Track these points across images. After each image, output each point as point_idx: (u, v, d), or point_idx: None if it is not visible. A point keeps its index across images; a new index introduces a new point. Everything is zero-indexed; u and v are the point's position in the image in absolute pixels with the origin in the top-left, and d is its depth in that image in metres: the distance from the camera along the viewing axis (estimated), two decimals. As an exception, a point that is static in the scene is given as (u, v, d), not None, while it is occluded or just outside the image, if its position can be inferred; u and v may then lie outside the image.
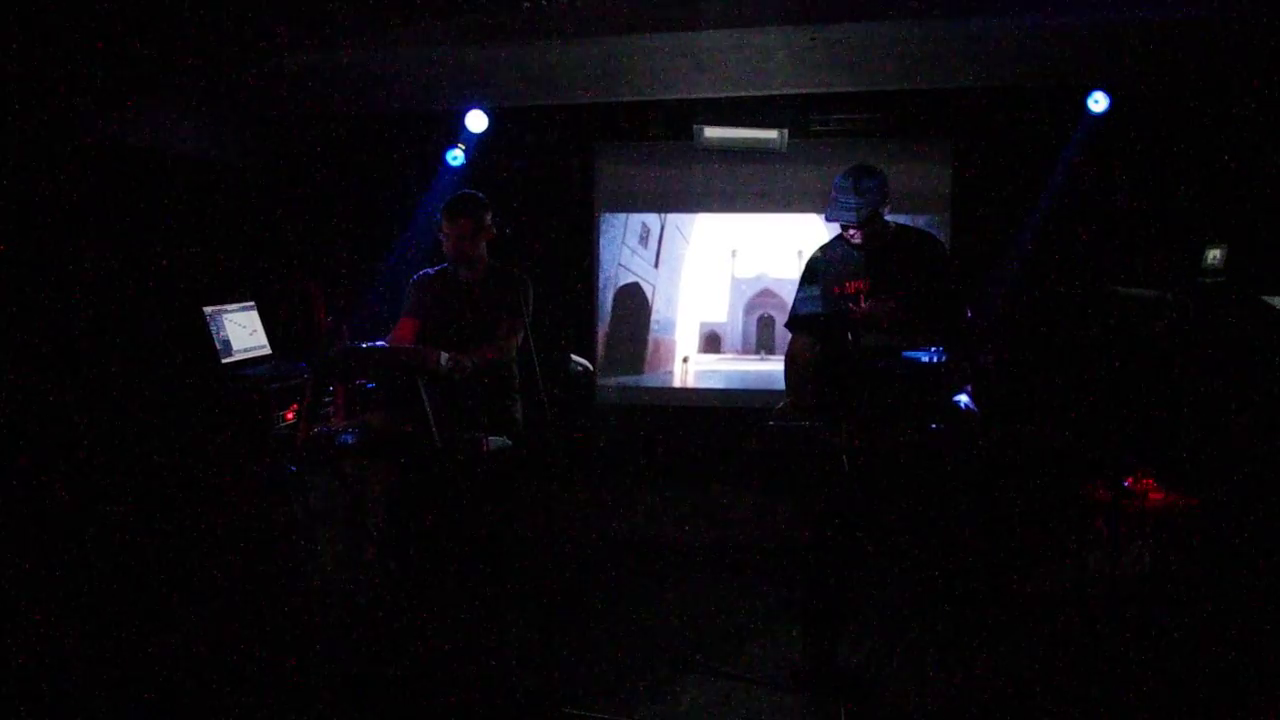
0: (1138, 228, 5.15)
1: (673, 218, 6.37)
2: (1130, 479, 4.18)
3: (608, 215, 6.40)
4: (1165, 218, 5.07)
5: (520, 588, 4.01)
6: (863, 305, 3.63)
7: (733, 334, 6.35)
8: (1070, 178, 5.32)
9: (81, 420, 4.25)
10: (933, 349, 3.38)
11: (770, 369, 6.19)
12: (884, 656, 3.51)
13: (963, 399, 3.53)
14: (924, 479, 3.48)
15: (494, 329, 3.92)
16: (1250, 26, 4.14)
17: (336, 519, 4.11)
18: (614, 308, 6.41)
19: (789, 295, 6.08)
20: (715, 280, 6.36)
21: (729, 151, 5.85)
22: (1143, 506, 4.10)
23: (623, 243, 6.39)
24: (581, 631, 4.14)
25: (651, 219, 6.38)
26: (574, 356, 4.44)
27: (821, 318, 3.71)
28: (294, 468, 4.10)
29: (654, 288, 6.41)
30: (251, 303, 5.15)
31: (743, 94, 5.49)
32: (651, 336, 6.41)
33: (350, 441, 3.58)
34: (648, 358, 6.43)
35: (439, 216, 3.96)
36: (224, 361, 4.80)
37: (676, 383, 6.41)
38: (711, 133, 5.68)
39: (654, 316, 6.41)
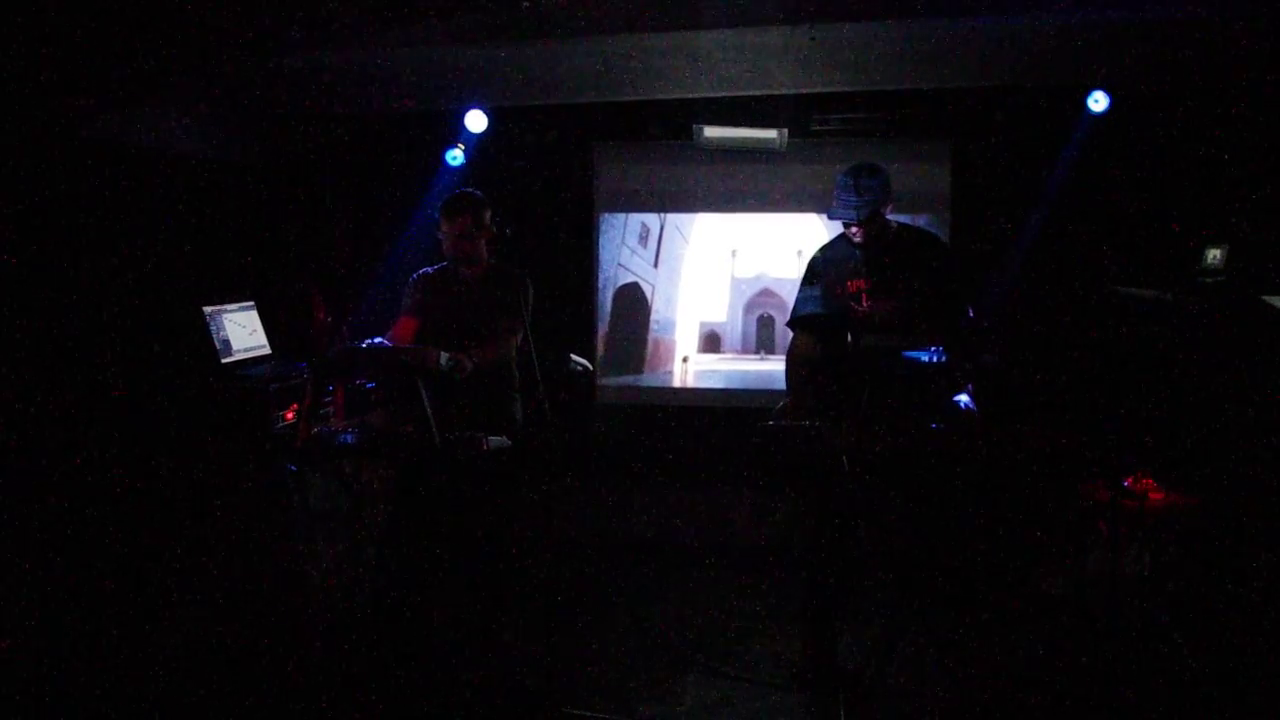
0: (1138, 228, 5.15)
1: (672, 217, 6.37)
2: (1130, 479, 4.18)
3: (607, 215, 6.40)
4: (1165, 218, 5.07)
5: (520, 588, 4.01)
6: (864, 305, 3.64)
7: (732, 334, 6.35)
8: (1070, 178, 5.31)
9: (81, 420, 4.24)
10: (933, 349, 3.39)
11: (770, 369, 6.19)
12: (884, 656, 3.50)
13: (963, 399, 3.53)
14: (924, 479, 3.49)
15: (494, 328, 3.92)
16: (1250, 26, 4.13)
17: (336, 519, 4.11)
18: (613, 307, 6.41)
19: (789, 295, 6.08)
20: (715, 280, 6.35)
21: (729, 151, 5.85)
22: (1143, 506, 4.10)
23: (622, 242, 6.39)
24: (581, 631, 4.14)
25: (651, 219, 6.38)
26: (573, 356, 4.44)
27: (823, 317, 3.71)
28: (294, 467, 4.10)
29: (654, 287, 6.41)
30: (251, 302, 5.14)
31: (742, 94, 5.48)
32: (651, 336, 6.41)
33: (350, 441, 3.59)
34: (647, 357, 6.42)
35: (438, 215, 3.96)
36: (224, 361, 4.80)
37: (676, 382, 6.40)
38: (711, 132, 5.67)
39: (654, 316, 6.41)
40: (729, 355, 6.36)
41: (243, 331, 5.01)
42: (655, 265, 6.40)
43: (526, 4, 3.95)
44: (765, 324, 6.30)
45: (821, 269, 3.80)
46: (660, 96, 5.56)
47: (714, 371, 6.37)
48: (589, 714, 3.42)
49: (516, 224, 3.94)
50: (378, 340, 3.65)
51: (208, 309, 4.81)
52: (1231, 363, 4.06)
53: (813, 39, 4.46)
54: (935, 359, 3.38)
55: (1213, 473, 4.05)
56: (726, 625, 4.31)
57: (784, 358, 3.88)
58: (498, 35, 4.41)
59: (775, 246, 6.25)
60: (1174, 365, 4.14)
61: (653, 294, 6.40)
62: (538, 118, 5.94)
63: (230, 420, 4.47)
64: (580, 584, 4.74)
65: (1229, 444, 4.03)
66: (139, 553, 4.08)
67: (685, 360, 6.41)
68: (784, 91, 5.44)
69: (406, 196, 5.92)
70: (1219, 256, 4.25)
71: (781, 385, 3.87)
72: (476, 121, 5.71)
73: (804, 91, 5.47)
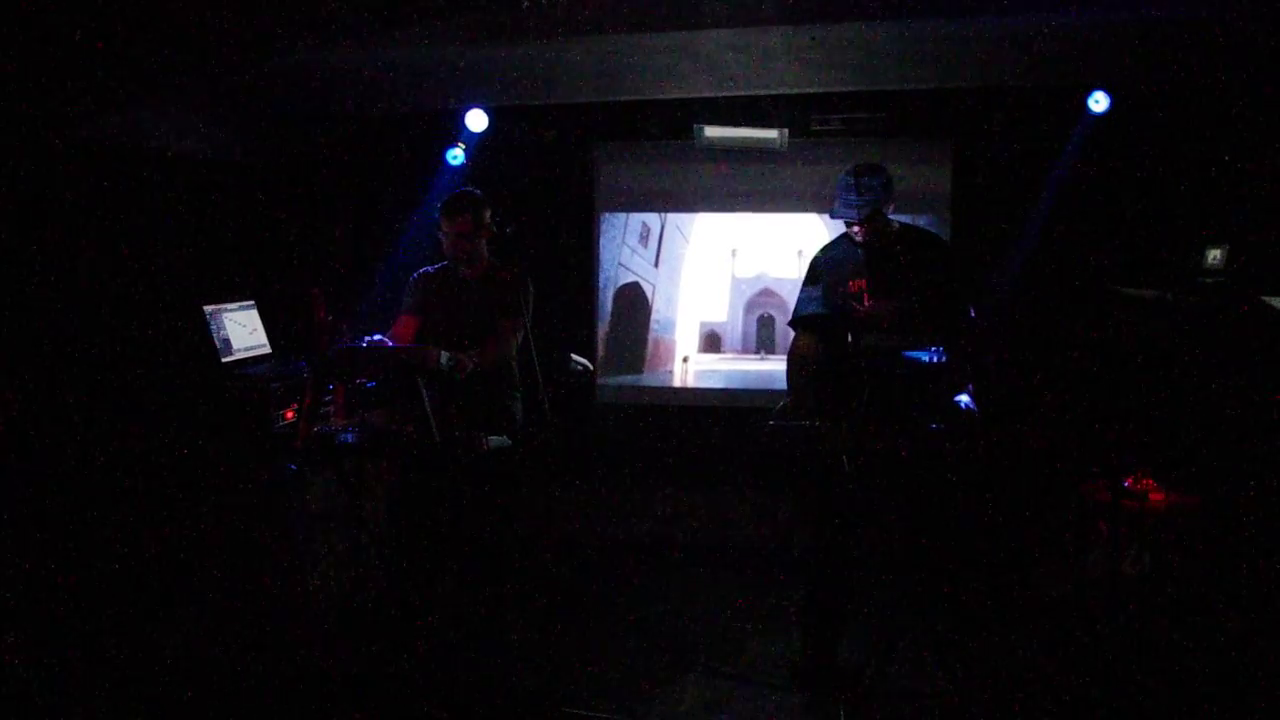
0: (1138, 228, 5.15)
1: (673, 217, 6.37)
2: (1130, 479, 4.18)
3: (608, 214, 6.40)
4: (1165, 218, 5.07)
5: (520, 588, 4.01)
6: (866, 304, 3.63)
7: (733, 333, 6.35)
8: (1070, 178, 5.31)
9: (81, 419, 4.25)
10: (933, 349, 3.39)
11: (770, 369, 6.19)
12: (884, 656, 3.50)
13: (964, 399, 3.53)
14: (924, 479, 3.49)
15: (494, 328, 3.92)
16: (1250, 26, 4.13)
17: (336, 518, 4.11)
18: (614, 307, 6.41)
19: (789, 295, 6.09)
20: (715, 280, 6.35)
21: (729, 151, 5.85)
22: (1143, 506, 4.10)
23: (623, 242, 6.39)
24: (581, 631, 4.14)
25: (651, 218, 6.38)
26: (574, 356, 4.44)
27: (824, 317, 3.71)
28: (294, 467, 4.11)
29: (654, 287, 6.41)
30: (251, 302, 5.15)
31: (743, 93, 5.48)
32: (651, 336, 6.41)
33: (350, 440, 3.59)
34: (647, 357, 6.42)
35: (438, 215, 3.96)
36: (224, 361, 4.80)
37: (676, 382, 6.40)
38: (712, 132, 5.67)
39: (654, 316, 6.41)
40: (729, 355, 6.36)
41: (243, 331, 5.01)
42: (656, 265, 6.40)
43: (527, 3, 3.95)
44: (765, 324, 6.30)
45: (823, 269, 3.80)
46: (661, 96, 5.56)
47: (714, 371, 6.37)
48: (589, 714, 3.42)
49: (517, 223, 3.94)
50: (377, 336, 3.65)
51: (208, 308, 4.81)
52: (1231, 363, 4.06)
53: (813, 39, 4.46)
54: (936, 359, 3.38)
55: (1213, 473, 4.05)
56: (726, 625, 4.31)
57: (784, 358, 3.88)
58: (498, 35, 4.40)
59: (776, 246, 6.25)
60: (1174, 365, 4.14)
61: (653, 294, 6.40)
62: (538, 117, 5.94)
63: (230, 419, 4.47)
64: (580, 584, 4.74)
65: (1229, 444, 4.03)
66: (139, 552, 4.08)
67: (685, 360, 6.41)
68: (784, 91, 5.44)
69: (407, 196, 5.92)
70: (1219, 256, 4.25)
71: (782, 385, 3.87)
72: (477, 121, 5.71)
73: (804, 91, 5.47)
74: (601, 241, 6.39)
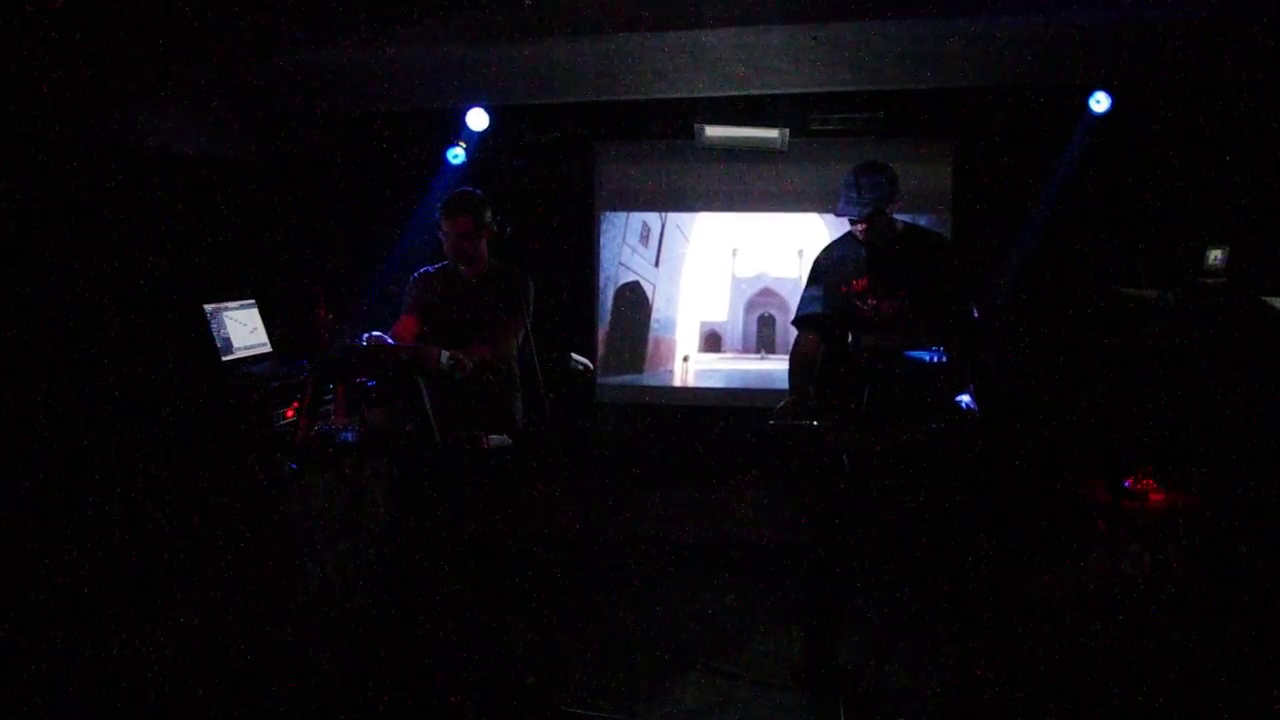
0: (1139, 228, 5.15)
1: (673, 216, 6.37)
2: (1130, 479, 4.18)
3: (608, 214, 6.40)
4: (1166, 218, 5.07)
5: (520, 587, 4.01)
6: (868, 303, 3.63)
7: (733, 333, 6.35)
8: (1071, 178, 5.31)
9: (82, 418, 4.25)
10: (935, 349, 3.39)
11: (771, 368, 6.19)
12: (884, 656, 3.51)
13: (964, 399, 3.53)
14: (925, 478, 3.48)
15: (494, 327, 3.92)
16: (1250, 26, 4.13)
17: (336, 518, 4.11)
18: (614, 306, 6.41)
19: (789, 294, 6.10)
20: (716, 279, 6.35)
21: (730, 150, 5.85)
22: (1143, 506, 4.10)
23: (623, 241, 6.39)
24: (581, 631, 4.14)
25: (652, 218, 6.38)
26: (574, 355, 4.44)
27: (827, 316, 3.71)
28: (294, 466, 4.10)
29: (654, 286, 6.41)
30: (252, 301, 5.15)
31: (743, 93, 5.48)
32: (652, 335, 6.41)
33: (350, 440, 3.58)
34: (648, 356, 6.42)
35: (438, 215, 3.96)
36: (224, 359, 4.80)
37: (677, 382, 6.41)
38: (712, 131, 5.67)
39: (654, 315, 6.41)
40: (729, 354, 6.36)
41: (243, 329, 5.01)
42: (656, 264, 6.40)
43: (529, 2, 3.95)
44: (766, 323, 6.30)
45: (826, 268, 3.80)
46: (661, 95, 5.56)
47: (714, 371, 6.37)
48: (589, 713, 3.42)
49: (517, 222, 3.94)
50: (376, 333, 3.65)
51: (208, 307, 4.81)
52: (1232, 363, 4.06)
53: (814, 38, 4.46)
54: (937, 359, 3.38)
55: (1213, 473, 4.05)
56: (726, 625, 4.31)
57: (784, 357, 3.88)
58: (499, 34, 4.41)
59: (776, 246, 6.25)
60: (1174, 365, 4.14)
61: (653, 293, 6.40)
62: (539, 116, 5.94)
63: (231, 418, 4.47)
64: (580, 583, 4.74)
65: (1229, 444, 4.03)
66: (139, 551, 4.08)
67: (686, 359, 6.41)
68: (785, 91, 5.44)
69: (408, 195, 5.93)
70: (1220, 257, 4.25)
71: (782, 385, 3.87)
72: (478, 120, 5.71)
73: (805, 91, 5.47)
74: (602, 241, 6.39)
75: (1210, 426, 4.07)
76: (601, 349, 6.40)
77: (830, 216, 5.97)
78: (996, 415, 3.73)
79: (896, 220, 3.72)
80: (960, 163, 5.85)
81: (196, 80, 4.76)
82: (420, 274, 4.10)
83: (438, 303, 3.99)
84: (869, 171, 3.57)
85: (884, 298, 3.64)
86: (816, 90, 5.47)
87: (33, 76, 3.73)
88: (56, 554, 3.89)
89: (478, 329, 3.89)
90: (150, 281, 4.74)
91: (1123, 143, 5.22)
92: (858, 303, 3.66)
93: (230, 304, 4.97)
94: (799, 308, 3.82)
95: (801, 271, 3.92)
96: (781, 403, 3.74)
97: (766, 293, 6.28)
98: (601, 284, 6.39)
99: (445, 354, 3.49)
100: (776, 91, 5.45)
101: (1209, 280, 4.25)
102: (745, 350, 6.33)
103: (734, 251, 6.33)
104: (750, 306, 6.32)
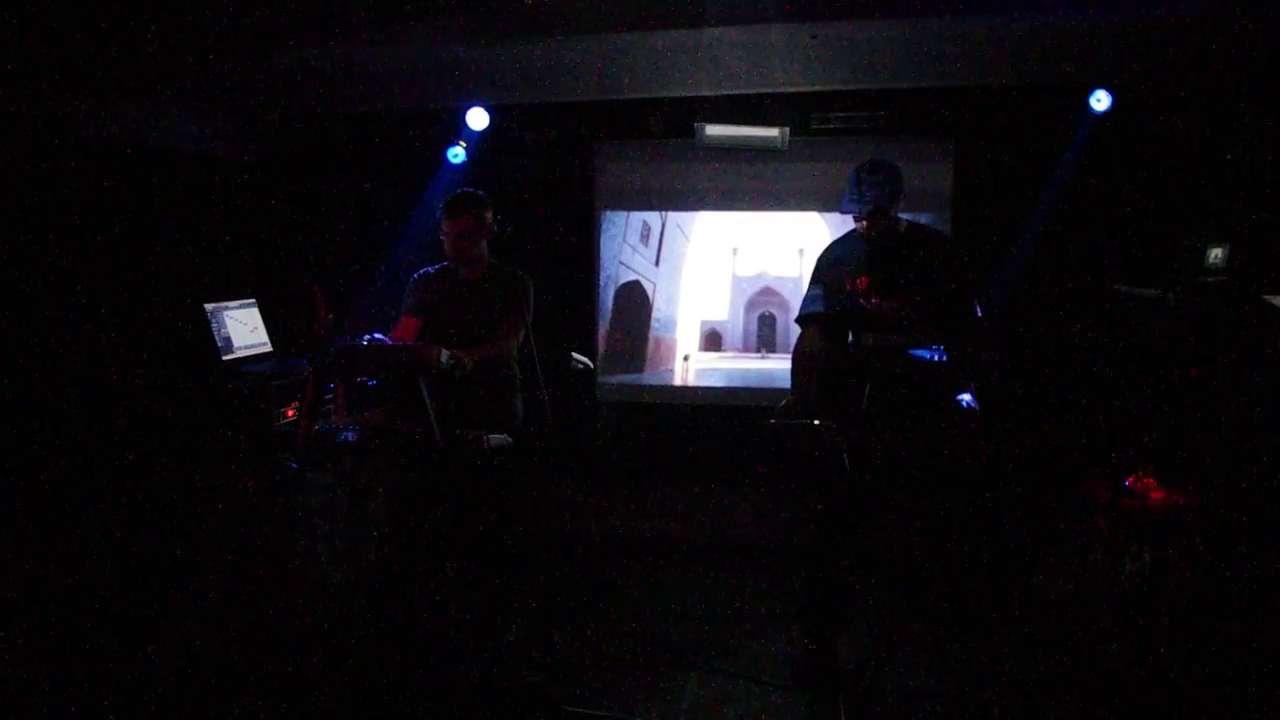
0: (1139, 227, 5.14)
1: (674, 215, 6.37)
2: (1130, 478, 4.18)
3: (608, 213, 6.39)
4: (1167, 217, 5.07)
5: (520, 586, 4.01)
6: (871, 302, 3.63)
7: (734, 332, 6.35)
8: (1071, 177, 5.31)
9: (82, 418, 4.25)
10: (937, 347, 3.38)
11: (771, 367, 6.19)
12: (884, 656, 3.50)
13: (965, 398, 3.53)
14: (925, 478, 3.48)
15: (494, 328, 3.92)
16: (1250, 26, 4.13)
17: (337, 517, 4.11)
18: (614, 306, 6.41)
19: (790, 293, 6.09)
20: (716, 278, 6.35)
21: (730, 149, 5.84)
22: (1143, 506, 4.09)
23: (623, 240, 6.39)
24: (581, 630, 4.14)
25: (652, 217, 6.38)
26: (574, 354, 4.44)
27: (829, 314, 3.71)
28: (295, 465, 4.10)
29: (655, 285, 6.41)
30: (252, 300, 5.15)
31: (744, 92, 5.48)
32: (652, 334, 6.41)
33: (351, 439, 3.58)
34: (648, 356, 6.42)
35: (439, 214, 3.96)
36: (225, 359, 4.80)
37: (677, 381, 6.40)
38: (712, 130, 5.67)
39: (655, 314, 6.41)
40: (730, 354, 6.36)
41: (244, 329, 5.01)
42: (656, 263, 6.40)
43: (529, 2, 3.95)
44: (766, 322, 6.30)
45: (828, 266, 3.80)
46: (662, 94, 5.56)
47: (715, 370, 6.37)
48: (589, 713, 3.42)
49: (517, 221, 3.94)
50: (377, 336, 3.65)
51: (209, 306, 4.81)
52: (1233, 362, 4.06)
53: (814, 37, 4.46)
54: (938, 358, 3.37)
55: (1213, 472, 4.05)
56: (726, 625, 4.31)
57: (785, 356, 3.88)
58: (500, 33, 4.40)
59: (777, 245, 6.25)
60: (1175, 365, 4.13)
61: (654, 292, 6.40)
62: (539, 115, 5.94)
63: (231, 418, 4.48)
64: (580, 583, 4.74)
65: (1230, 444, 4.03)
66: (139, 550, 4.09)
67: (686, 359, 6.41)
68: (785, 90, 5.44)
69: (408, 194, 5.93)
70: (1220, 256, 4.25)
71: (782, 384, 3.87)
72: (478, 119, 5.71)
73: (805, 90, 5.47)
74: (602, 240, 6.39)
75: (1210, 426, 4.07)
76: (602, 348, 6.40)
77: (830, 215, 5.97)
78: (997, 414, 3.73)
79: (901, 220, 3.71)
80: (960, 161, 5.84)
81: (196, 80, 4.75)
82: (420, 274, 4.10)
83: (438, 303, 3.99)
84: (871, 170, 3.57)
85: (885, 297, 3.64)
86: (817, 89, 5.47)
87: (33, 76, 3.72)
88: (56, 553, 3.89)
89: (478, 329, 3.90)
90: (150, 281, 4.74)
91: (1123, 142, 5.21)
92: (860, 301, 3.66)
93: (230, 303, 4.97)
94: (802, 306, 3.82)
95: (802, 270, 3.92)
96: (783, 402, 3.74)
97: (767, 292, 6.28)
98: (602, 283, 6.38)
99: (445, 353, 3.49)
100: (777, 90, 5.45)
101: (1209, 279, 4.25)
102: (746, 349, 6.33)
103: (734, 250, 6.32)
104: (751, 305, 6.32)
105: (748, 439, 5.67)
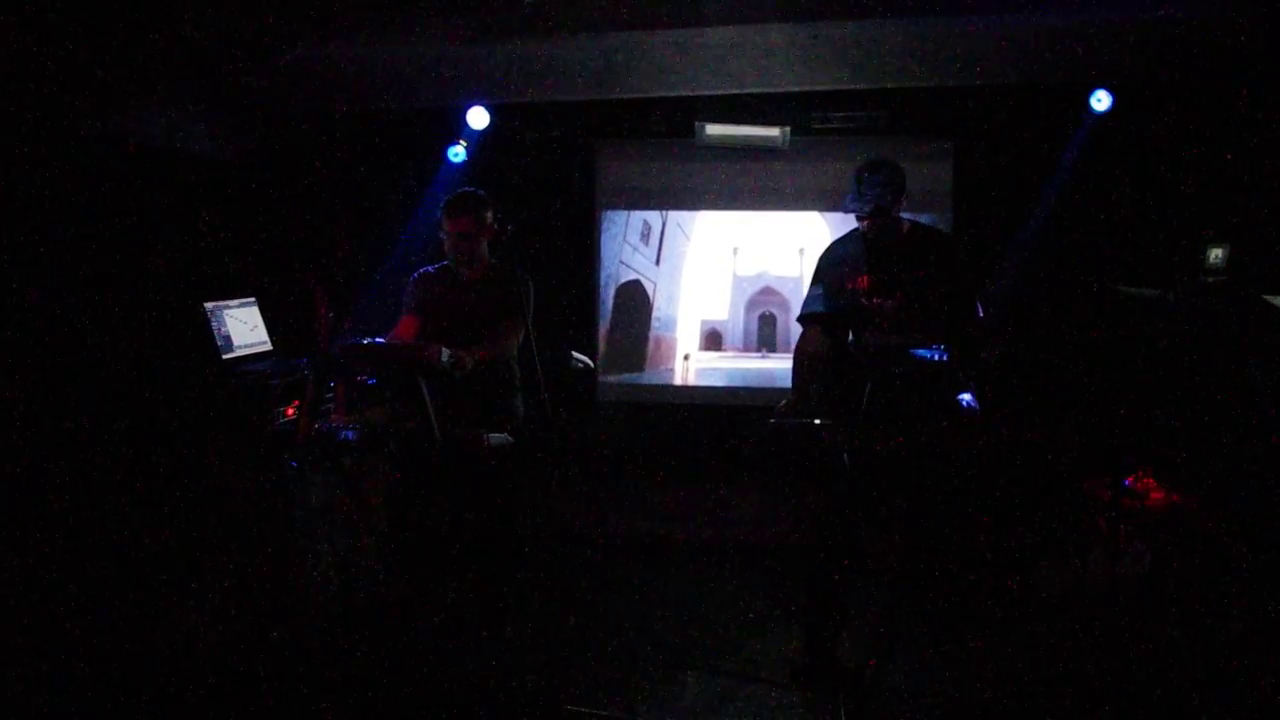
0: (1139, 227, 5.14)
1: (674, 215, 6.37)
2: (1131, 478, 4.18)
3: (609, 212, 6.40)
4: (1167, 217, 5.07)
5: (520, 586, 4.01)
6: (872, 302, 3.63)
7: (734, 331, 6.35)
8: (1071, 177, 5.31)
9: (82, 417, 4.25)
10: (936, 347, 3.38)
11: (771, 366, 6.19)
12: (884, 656, 3.50)
13: (966, 397, 3.53)
14: (925, 478, 3.48)
15: (494, 327, 3.92)
16: (1250, 26, 4.13)
17: (337, 516, 4.11)
18: (615, 305, 6.41)
19: (790, 293, 6.10)
20: (716, 278, 6.35)
21: (730, 149, 5.85)
22: (1143, 506, 4.09)
23: (624, 240, 6.39)
24: (582, 630, 4.14)
25: (653, 216, 6.38)
26: (575, 354, 4.44)
27: (830, 314, 3.71)
28: (295, 464, 4.10)
29: (655, 285, 6.41)
30: (253, 299, 5.15)
31: (744, 91, 5.48)
32: (653, 334, 6.41)
33: (351, 438, 3.58)
34: (649, 355, 6.42)
35: (440, 214, 3.96)
36: (225, 358, 4.80)
37: (677, 380, 6.41)
38: (713, 130, 5.67)
39: (655, 314, 6.41)
40: (730, 353, 6.36)
41: (244, 328, 5.01)
42: (657, 263, 6.40)
43: (529, 2, 3.95)
44: (767, 322, 6.30)
45: (831, 265, 3.80)
46: (662, 94, 5.57)
47: (715, 369, 6.37)
48: (589, 712, 3.42)
49: (518, 221, 3.94)
50: (378, 340, 3.66)
51: (209, 305, 4.81)
52: (1233, 362, 4.06)
53: (814, 36, 4.46)
54: (938, 358, 3.37)
55: (1213, 472, 4.05)
56: (726, 624, 4.31)
57: (785, 356, 3.88)
58: (500, 32, 4.41)
59: (777, 244, 6.25)
60: (1175, 364, 4.14)
61: (654, 291, 6.40)
62: (540, 115, 5.94)
63: (231, 416, 4.47)
64: (580, 583, 4.74)
65: (1230, 444, 4.03)
66: (139, 549, 4.08)
67: (687, 358, 6.41)
68: (786, 89, 5.44)
69: (408, 193, 5.93)
70: (1221, 256, 4.25)
71: (783, 383, 3.88)
72: (478, 118, 5.71)
73: (806, 89, 5.47)
74: (603, 239, 6.39)
75: (1210, 426, 4.07)
76: (602, 348, 6.40)
77: (831, 215, 5.98)
78: (997, 414, 3.73)
79: (903, 219, 3.71)
80: (960, 161, 5.85)
81: (196, 80, 4.75)
82: (420, 274, 4.10)
83: (438, 302, 3.98)
84: (873, 169, 3.57)
85: (886, 296, 3.64)
86: (817, 89, 5.47)
87: (33, 76, 3.72)
88: (56, 552, 3.89)
89: (478, 329, 3.89)
90: (151, 279, 4.74)
91: (1123, 142, 5.21)
92: (861, 301, 3.66)
93: (230, 302, 4.97)
94: (803, 305, 3.82)
95: (803, 270, 3.92)
96: (783, 401, 3.74)
97: (767, 291, 6.28)
98: (602, 282, 6.38)
99: (446, 352, 3.49)
100: (777, 90, 5.45)
101: (1210, 279, 4.25)
102: (746, 349, 6.33)
103: (735, 250, 6.33)
104: (751, 305, 6.32)
105: (748, 439, 5.69)
